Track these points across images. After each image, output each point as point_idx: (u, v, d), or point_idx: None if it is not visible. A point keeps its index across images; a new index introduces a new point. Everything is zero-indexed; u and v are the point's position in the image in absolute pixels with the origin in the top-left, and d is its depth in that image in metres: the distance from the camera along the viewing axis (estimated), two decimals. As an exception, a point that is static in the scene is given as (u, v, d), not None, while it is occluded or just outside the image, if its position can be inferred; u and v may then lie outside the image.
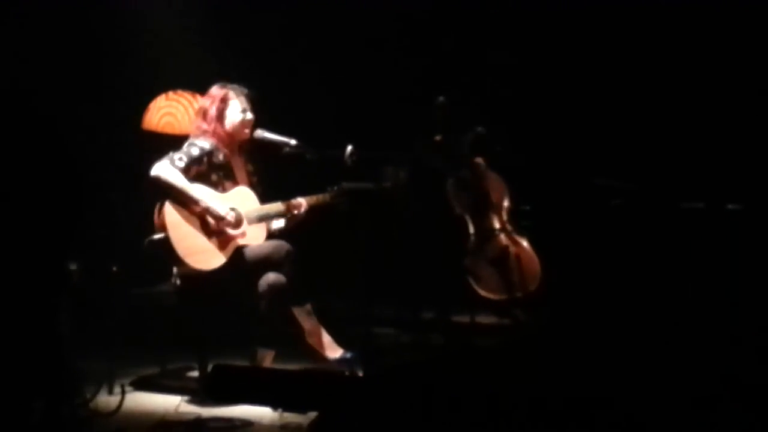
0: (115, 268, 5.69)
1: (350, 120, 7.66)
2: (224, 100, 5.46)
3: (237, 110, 5.47)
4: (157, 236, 5.22)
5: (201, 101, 5.63)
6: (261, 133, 5.57)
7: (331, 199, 5.60)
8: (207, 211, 5.24)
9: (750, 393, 4.32)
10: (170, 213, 5.20)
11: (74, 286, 5.46)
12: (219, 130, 5.44)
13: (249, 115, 5.51)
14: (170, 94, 6.62)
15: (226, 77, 5.62)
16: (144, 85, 6.80)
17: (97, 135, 6.76)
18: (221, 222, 5.26)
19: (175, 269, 5.28)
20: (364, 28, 8.05)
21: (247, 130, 5.51)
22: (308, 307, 5.40)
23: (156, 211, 5.24)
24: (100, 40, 6.96)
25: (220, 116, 5.45)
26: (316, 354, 5.38)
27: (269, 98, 5.73)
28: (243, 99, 5.49)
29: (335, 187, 5.60)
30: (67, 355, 5.15)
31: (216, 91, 5.51)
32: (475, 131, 6.60)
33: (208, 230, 5.27)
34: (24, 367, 4.95)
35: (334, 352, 5.43)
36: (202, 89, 5.71)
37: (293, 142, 5.57)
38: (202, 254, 5.23)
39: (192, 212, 5.25)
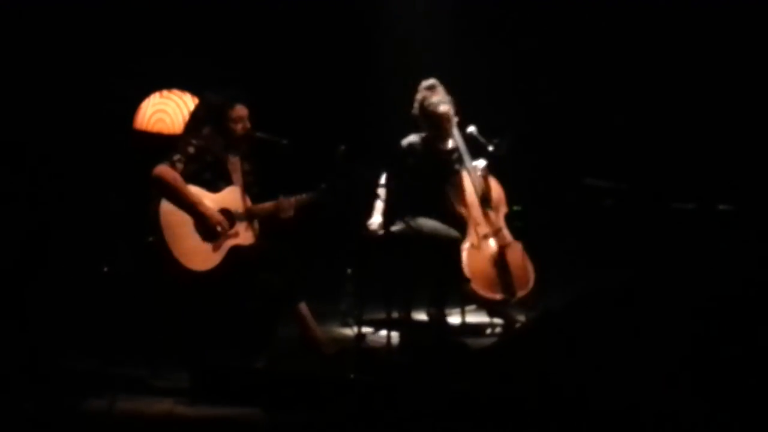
0: (106, 269, 5.68)
1: (342, 120, 7.67)
2: (220, 109, 5.46)
3: (232, 119, 5.47)
4: (151, 238, 5.22)
5: (194, 107, 5.63)
6: (253, 133, 5.58)
7: (318, 199, 5.62)
8: (204, 215, 5.26)
9: (740, 391, 4.34)
10: (165, 214, 5.21)
11: (66, 286, 5.47)
12: (213, 134, 5.44)
13: (246, 124, 5.52)
14: (164, 92, 6.61)
15: (218, 82, 5.61)
16: (136, 85, 6.79)
17: (88, 135, 6.76)
18: (216, 225, 5.27)
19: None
20: (359, 28, 8.09)
21: (240, 135, 5.51)
22: (303, 304, 5.42)
23: (150, 212, 5.25)
24: (92, 40, 6.95)
25: (214, 123, 5.45)
26: (314, 350, 5.40)
27: (261, 97, 5.73)
28: (240, 107, 5.50)
29: (323, 186, 5.62)
30: (58, 357, 5.15)
31: (210, 98, 5.51)
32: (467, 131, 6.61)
33: (201, 231, 5.29)
34: (14, 368, 4.95)
35: (331, 347, 5.47)
36: (194, 89, 5.70)
37: (284, 141, 5.58)
38: (197, 255, 5.25)
39: (186, 213, 5.26)
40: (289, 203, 5.56)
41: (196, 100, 5.92)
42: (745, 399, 4.31)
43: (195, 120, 5.52)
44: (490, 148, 6.53)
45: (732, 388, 4.37)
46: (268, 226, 5.57)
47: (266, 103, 5.97)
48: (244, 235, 5.43)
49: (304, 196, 5.63)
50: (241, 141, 5.53)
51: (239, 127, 5.50)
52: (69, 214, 6.52)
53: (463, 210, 6.47)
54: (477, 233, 6.46)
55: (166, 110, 6.60)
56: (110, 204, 6.51)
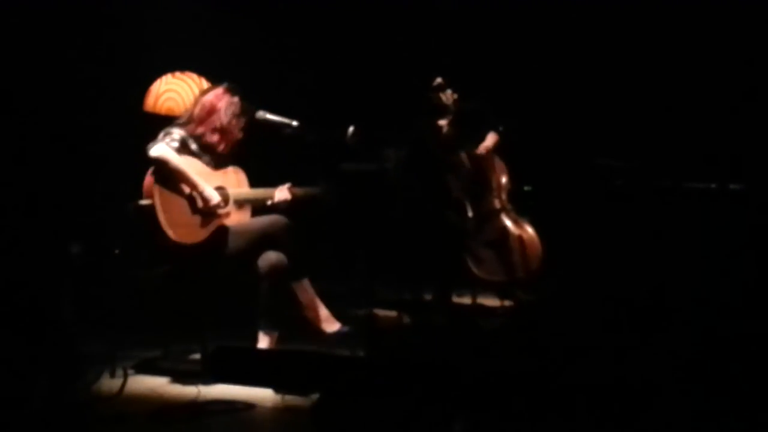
0: (117, 251, 5.69)
1: (351, 101, 7.66)
2: (231, 108, 5.48)
3: (238, 126, 5.51)
4: (143, 201, 5.24)
5: (207, 98, 5.57)
6: (262, 115, 5.58)
7: (316, 195, 5.61)
8: (201, 193, 5.28)
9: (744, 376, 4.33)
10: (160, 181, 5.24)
11: (76, 268, 5.48)
12: (213, 128, 5.46)
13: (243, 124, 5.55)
14: (176, 74, 6.59)
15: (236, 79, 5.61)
16: (144, 67, 6.79)
17: (98, 118, 6.77)
18: (210, 205, 5.30)
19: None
20: (363, 9, 8.06)
21: (238, 137, 5.55)
22: (306, 281, 5.43)
23: (146, 176, 5.26)
24: (99, 23, 6.94)
25: (221, 121, 5.46)
26: (313, 328, 5.41)
27: (271, 79, 5.73)
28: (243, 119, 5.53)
29: (323, 184, 5.61)
30: (69, 338, 5.17)
31: (225, 95, 5.51)
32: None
33: (194, 205, 5.32)
34: (26, 350, 4.97)
35: (331, 326, 5.47)
36: (202, 72, 5.69)
37: (294, 123, 5.58)
38: (183, 227, 5.27)
39: (182, 185, 5.28)
40: (284, 194, 5.55)
41: (210, 85, 5.87)
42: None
43: (210, 113, 5.50)
44: (500, 128, 6.53)
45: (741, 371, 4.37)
46: (261, 211, 5.57)
47: (276, 85, 5.97)
48: (234, 217, 5.45)
49: (302, 189, 5.62)
50: (234, 146, 5.55)
51: (239, 128, 5.52)
52: (77, 198, 6.53)
53: (461, 195, 6.46)
54: (477, 217, 6.45)
55: (178, 91, 6.57)
56: (119, 186, 6.50)
